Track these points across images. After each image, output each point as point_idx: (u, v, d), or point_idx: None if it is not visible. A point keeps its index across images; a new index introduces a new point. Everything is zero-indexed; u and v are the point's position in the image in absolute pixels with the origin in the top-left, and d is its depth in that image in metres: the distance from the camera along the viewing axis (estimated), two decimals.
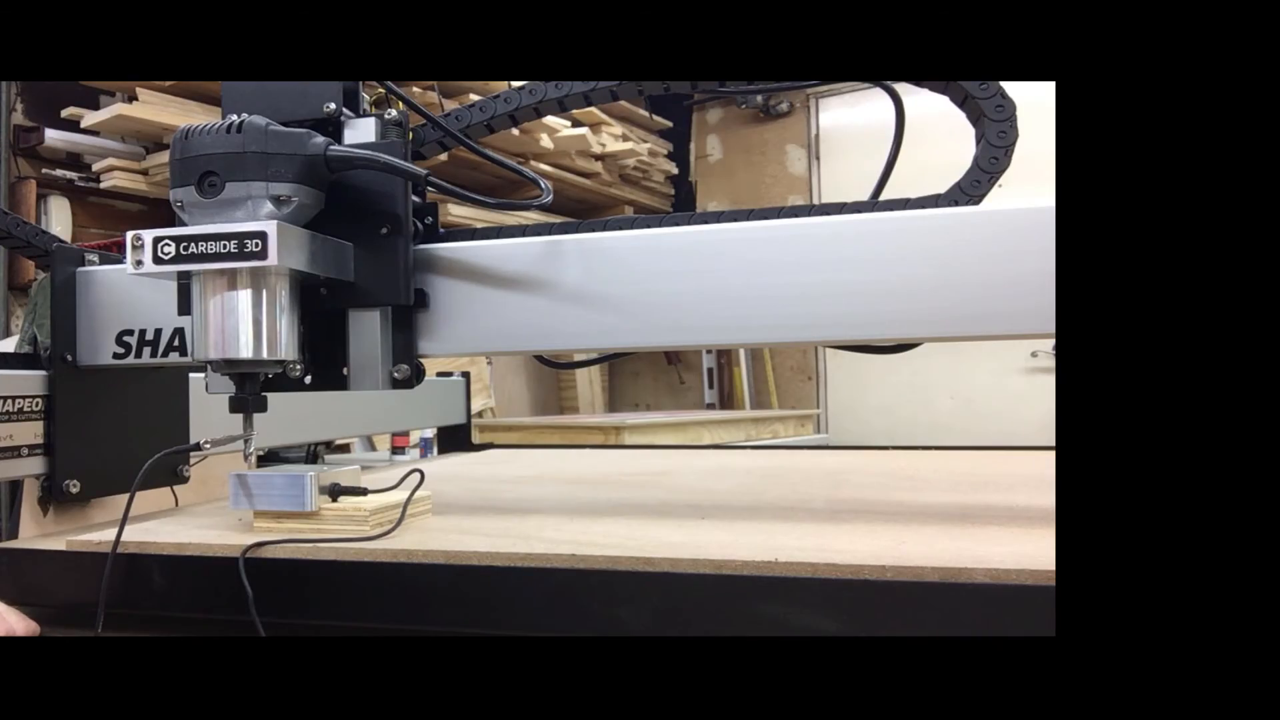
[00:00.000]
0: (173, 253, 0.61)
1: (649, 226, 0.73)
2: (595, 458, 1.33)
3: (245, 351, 0.63)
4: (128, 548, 0.61)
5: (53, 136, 2.21)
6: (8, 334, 2.04)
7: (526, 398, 3.70)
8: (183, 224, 0.63)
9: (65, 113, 2.22)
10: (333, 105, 0.70)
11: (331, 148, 0.65)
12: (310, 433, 1.12)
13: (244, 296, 0.63)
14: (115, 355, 0.77)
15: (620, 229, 0.73)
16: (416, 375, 0.73)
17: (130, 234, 0.61)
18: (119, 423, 0.79)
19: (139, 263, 0.61)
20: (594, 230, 0.73)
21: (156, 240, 0.61)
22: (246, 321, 0.63)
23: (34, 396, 0.74)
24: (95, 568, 0.59)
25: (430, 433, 1.69)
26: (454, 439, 1.51)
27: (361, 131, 0.71)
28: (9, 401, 0.72)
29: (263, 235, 0.59)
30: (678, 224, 0.73)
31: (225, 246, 0.60)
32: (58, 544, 0.63)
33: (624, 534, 0.65)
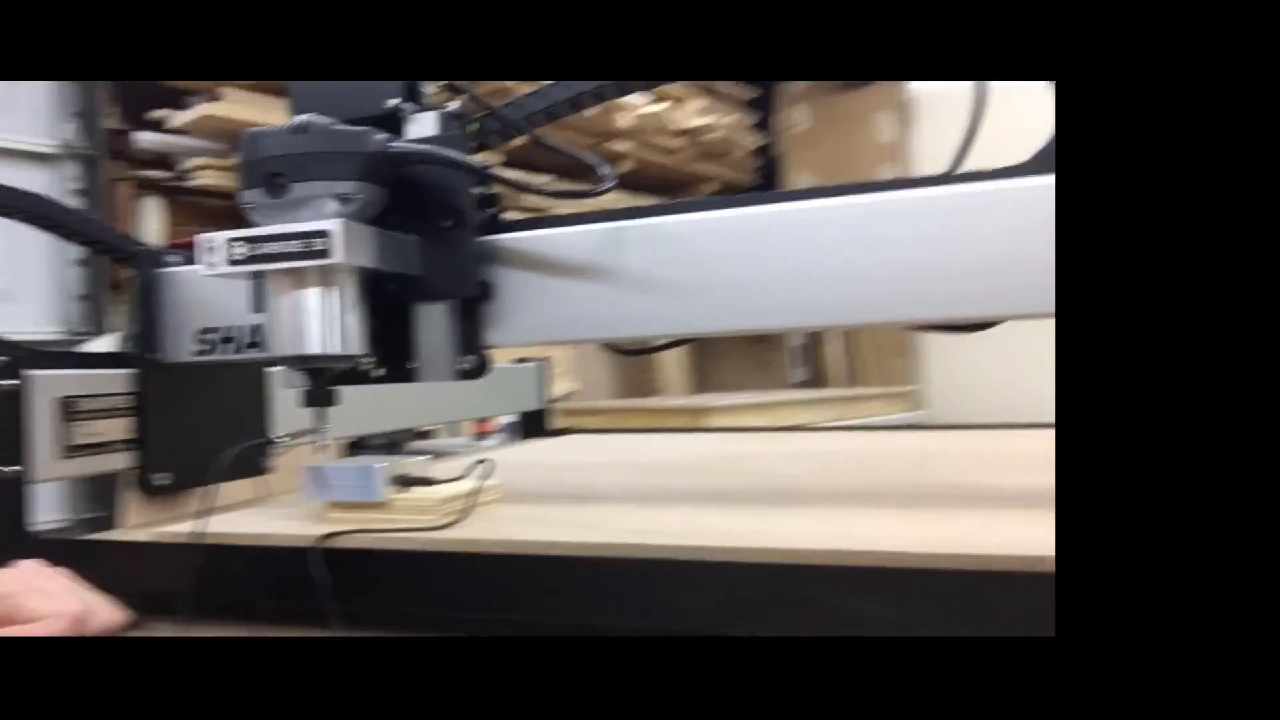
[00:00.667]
0: (242, 254, 0.62)
1: (716, 208, 0.72)
2: (675, 442, 1.32)
3: (314, 347, 0.64)
4: (210, 539, 0.63)
5: (142, 138, 2.30)
6: (105, 332, 2.14)
7: (611, 380, 3.71)
8: (253, 224, 0.64)
9: (155, 114, 2.30)
10: (394, 101, 0.71)
11: (391, 144, 0.65)
12: (386, 423, 1.14)
13: (312, 294, 0.64)
14: (198, 352, 0.79)
15: (685, 211, 0.72)
16: (483, 366, 0.74)
17: (203, 236, 0.63)
18: (206, 417, 0.82)
19: (212, 264, 0.63)
20: (659, 214, 0.73)
21: (227, 242, 0.62)
22: (315, 318, 0.64)
23: (124, 394, 0.77)
24: (179, 558, 0.62)
25: (512, 418, 1.71)
26: (535, 425, 1.53)
27: (423, 126, 0.72)
28: (100, 399, 0.75)
29: (327, 234, 0.61)
30: (745, 204, 0.71)
31: (292, 246, 0.61)
32: (143, 535, 0.66)
33: (690, 522, 0.64)
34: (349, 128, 0.65)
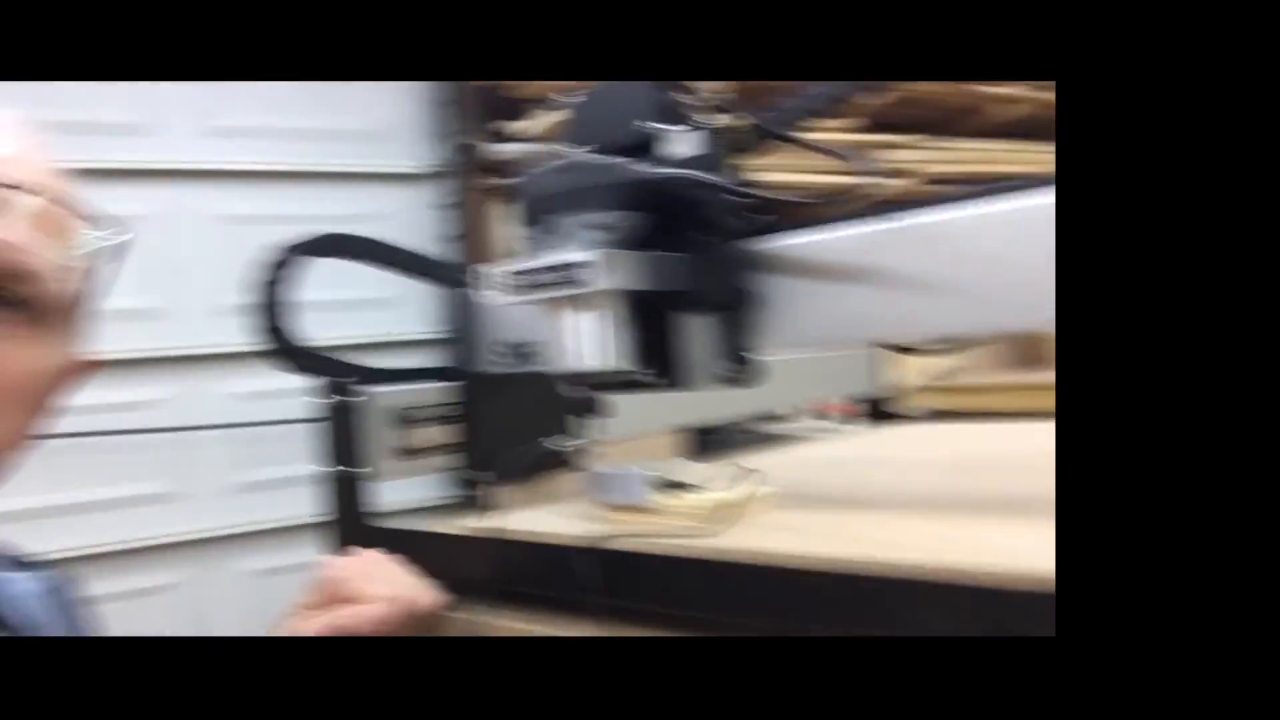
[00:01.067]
0: (519, 284, 0.70)
1: (986, 199, 0.69)
2: (1024, 433, 1.17)
3: (586, 363, 0.71)
4: (506, 534, 0.72)
5: (494, 148, 2.54)
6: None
7: (1007, 351, 3.43)
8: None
9: (499, 124, 2.52)
10: (650, 123, 0.75)
11: (647, 173, 0.70)
12: (693, 416, 1.21)
13: (583, 316, 0.70)
14: (509, 364, 0.89)
15: (954, 206, 0.70)
16: (751, 373, 0.77)
17: (487, 268, 0.72)
18: (519, 424, 0.92)
19: (497, 294, 0.71)
20: (927, 211, 0.71)
21: (507, 274, 0.70)
22: (586, 337, 0.70)
23: (449, 404, 0.89)
24: (480, 551, 0.71)
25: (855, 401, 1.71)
26: (880, 409, 1.52)
27: (682, 144, 0.76)
28: (429, 409, 0.87)
29: (589, 263, 0.66)
30: (1016, 195, 0.68)
31: (559, 275, 0.68)
32: (455, 529, 0.77)
33: (956, 536, 0.62)
34: (609, 160, 0.70)
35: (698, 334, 0.76)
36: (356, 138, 2.49)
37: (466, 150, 2.62)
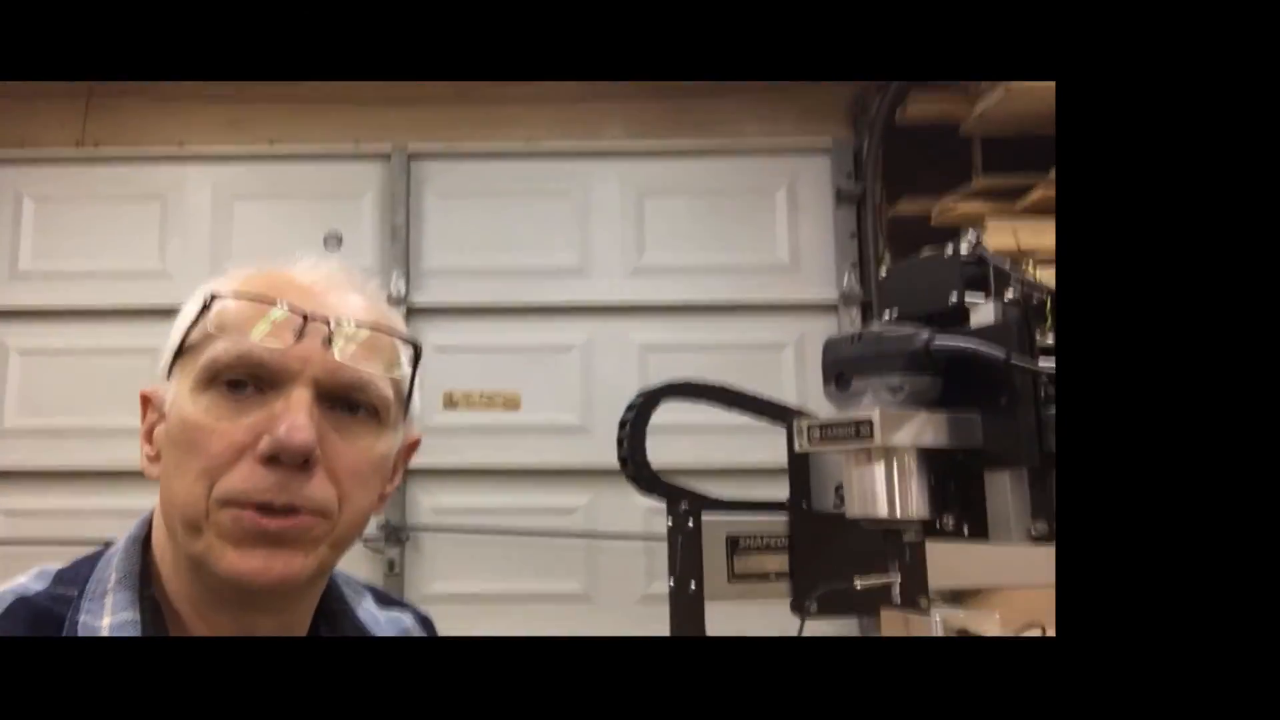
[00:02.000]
0: (816, 436, 0.80)
1: None
2: None
3: (881, 512, 0.79)
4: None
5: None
6: None
7: None
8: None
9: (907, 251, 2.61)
10: (954, 298, 0.83)
11: (936, 342, 0.77)
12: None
13: (877, 468, 0.79)
14: (834, 505, 0.99)
15: None
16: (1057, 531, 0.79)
17: (795, 421, 0.83)
18: (840, 556, 1.00)
19: (801, 445, 0.82)
20: None
21: (807, 427, 0.81)
22: (880, 487, 0.79)
23: (780, 535, 1.00)
24: None
25: None
26: None
27: (984, 314, 0.82)
28: (763, 539, 0.99)
29: (869, 421, 0.75)
30: None
31: (847, 431, 0.77)
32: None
33: None
34: (899, 330, 0.79)
35: (1007, 491, 0.81)
36: (759, 271, 2.74)
37: (870, 278, 2.75)
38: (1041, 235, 2.17)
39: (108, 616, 0.63)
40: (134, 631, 0.63)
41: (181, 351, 0.68)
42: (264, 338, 0.65)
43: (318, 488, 0.65)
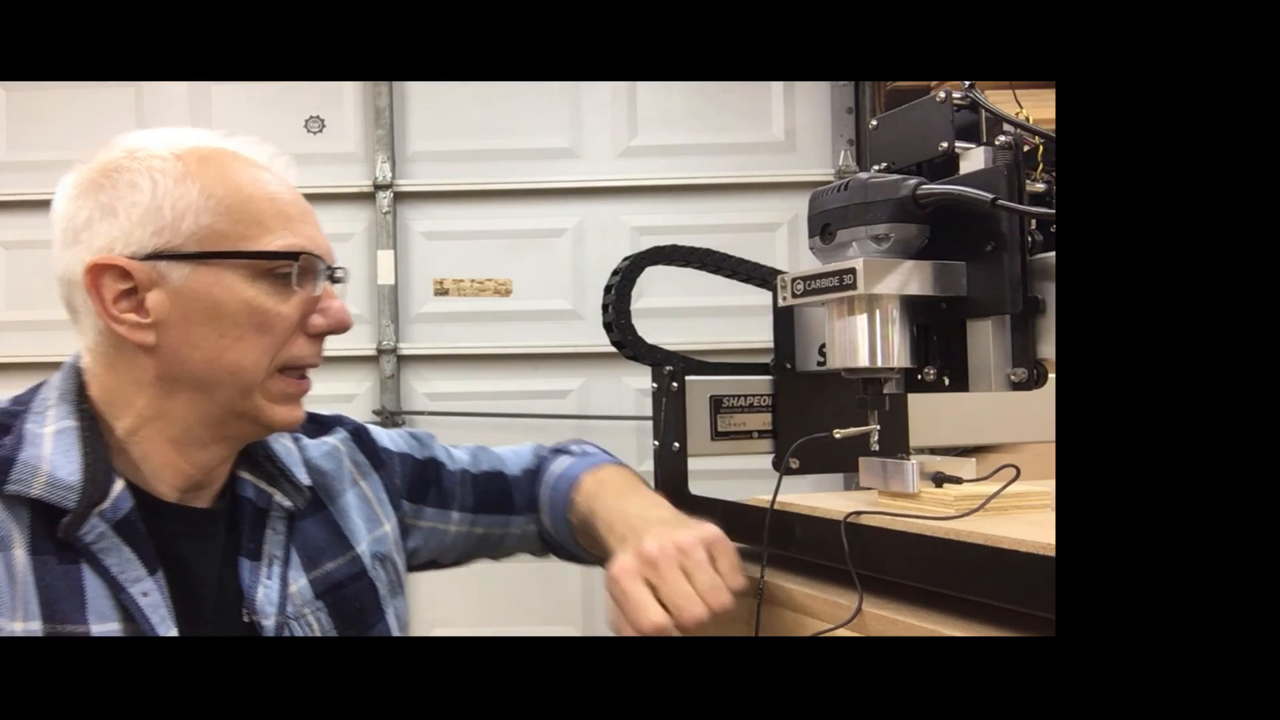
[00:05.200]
0: (800, 290, 0.80)
1: None
2: None
3: (862, 361, 0.79)
4: (785, 507, 0.82)
5: None
6: None
7: None
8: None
9: None
10: (944, 144, 0.81)
11: (921, 188, 0.76)
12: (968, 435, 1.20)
13: (859, 319, 0.78)
14: (816, 363, 0.99)
15: None
16: (1037, 378, 0.79)
17: (779, 277, 0.82)
18: (822, 415, 1.01)
19: (784, 298, 0.82)
20: None
21: (790, 280, 0.80)
22: (861, 337, 0.78)
23: (763, 395, 1.00)
24: (760, 520, 0.82)
25: None
26: None
27: (974, 161, 0.80)
28: (746, 399, 0.99)
29: (853, 271, 0.74)
30: None
31: (831, 282, 0.76)
32: (747, 500, 0.88)
33: None
34: (885, 178, 0.77)
35: (989, 339, 0.80)
36: (754, 150, 2.69)
37: (865, 154, 2.70)
38: (1042, 104, 2.12)
39: (50, 425, 0.74)
40: (73, 436, 0.73)
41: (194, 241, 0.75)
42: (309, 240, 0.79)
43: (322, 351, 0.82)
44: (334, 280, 0.81)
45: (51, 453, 0.72)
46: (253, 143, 0.82)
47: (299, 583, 0.82)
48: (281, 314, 0.76)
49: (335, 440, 0.94)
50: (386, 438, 0.98)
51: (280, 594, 0.80)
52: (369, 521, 0.91)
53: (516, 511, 0.99)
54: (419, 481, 0.97)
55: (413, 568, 0.97)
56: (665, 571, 0.73)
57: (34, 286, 2.58)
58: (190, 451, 0.77)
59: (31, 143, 2.60)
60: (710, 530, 0.78)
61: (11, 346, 2.59)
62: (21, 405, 0.77)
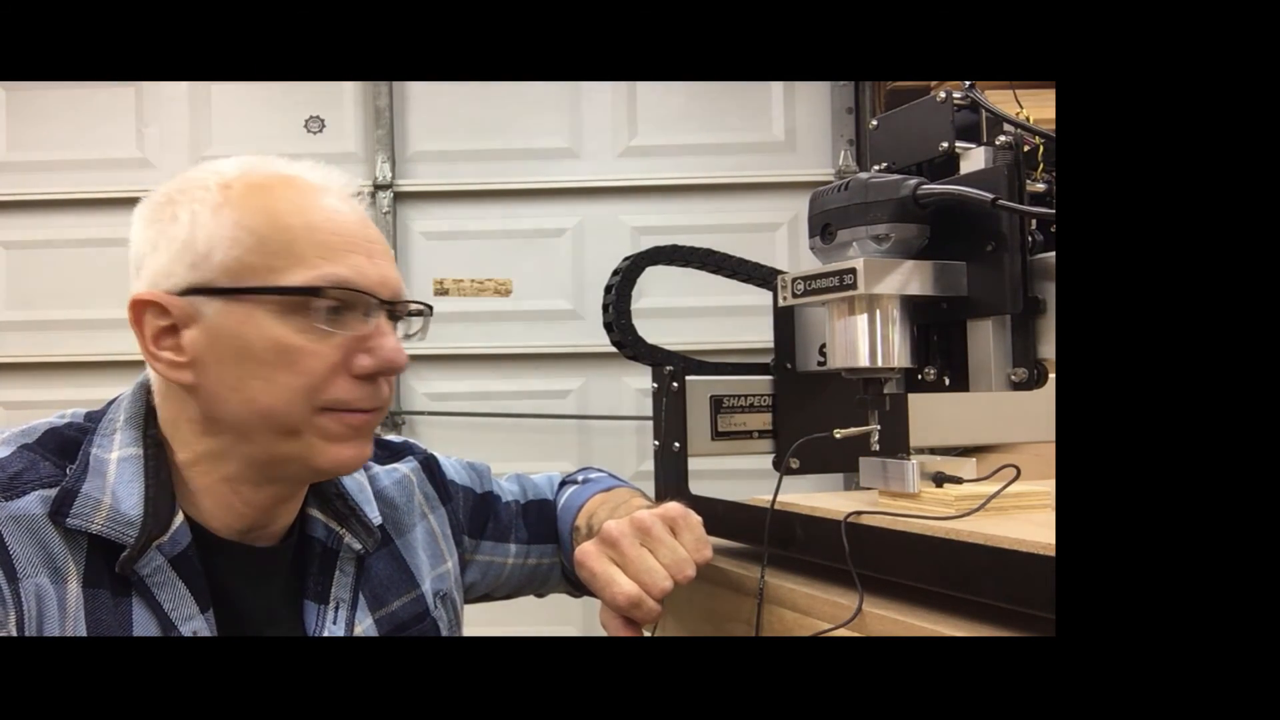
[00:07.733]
0: (800, 290, 0.79)
1: None
2: None
3: (862, 361, 0.78)
4: (785, 507, 0.82)
5: None
6: None
7: None
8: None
9: None
10: (944, 145, 0.81)
11: (921, 188, 0.76)
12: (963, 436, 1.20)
13: (859, 319, 0.78)
14: (817, 363, 0.99)
15: None
16: (1037, 378, 0.79)
17: (779, 277, 0.82)
18: (822, 415, 1.01)
19: (785, 298, 0.82)
20: None
21: (790, 280, 0.80)
22: (862, 337, 0.78)
23: (763, 395, 1.00)
24: (760, 520, 0.82)
25: None
26: None
27: (974, 161, 0.80)
28: (746, 399, 0.99)
29: (853, 270, 0.74)
30: None
31: (831, 282, 0.76)
32: (746, 500, 0.88)
33: None
34: (885, 178, 0.77)
35: (989, 339, 0.80)
36: (754, 150, 2.68)
37: (865, 155, 2.70)
38: (1042, 104, 2.12)
39: (115, 451, 0.72)
40: (137, 465, 0.71)
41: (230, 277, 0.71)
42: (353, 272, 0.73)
43: (387, 390, 0.76)
44: (393, 317, 0.75)
45: (114, 483, 0.70)
46: (317, 167, 0.78)
47: (364, 623, 0.81)
48: (315, 353, 0.70)
49: (406, 469, 0.92)
50: (452, 469, 0.98)
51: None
52: (433, 558, 0.90)
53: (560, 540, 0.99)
54: (478, 516, 0.97)
55: (467, 601, 0.97)
56: (626, 549, 0.76)
57: (34, 286, 2.59)
58: (244, 491, 0.74)
59: (31, 143, 2.60)
60: (671, 507, 0.79)
61: (11, 346, 2.59)
62: (92, 422, 0.75)
